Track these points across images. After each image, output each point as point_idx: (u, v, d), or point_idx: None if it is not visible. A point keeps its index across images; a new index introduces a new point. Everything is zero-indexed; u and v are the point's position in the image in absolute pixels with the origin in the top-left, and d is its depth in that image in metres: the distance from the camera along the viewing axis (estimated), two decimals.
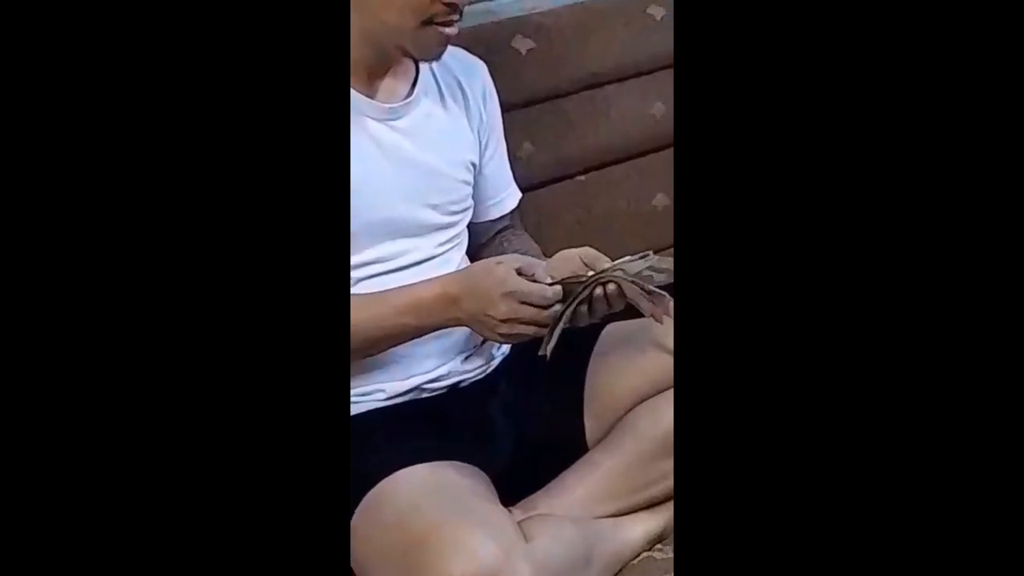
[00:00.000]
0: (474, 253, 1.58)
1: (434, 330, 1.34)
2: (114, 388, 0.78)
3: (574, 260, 1.28)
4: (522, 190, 1.69)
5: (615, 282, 1.26)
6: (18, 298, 0.76)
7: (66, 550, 0.78)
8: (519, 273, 1.27)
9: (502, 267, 1.28)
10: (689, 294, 0.82)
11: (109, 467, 0.78)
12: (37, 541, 0.77)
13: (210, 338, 0.79)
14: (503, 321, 1.26)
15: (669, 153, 1.98)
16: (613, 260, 1.27)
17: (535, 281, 1.26)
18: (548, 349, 1.27)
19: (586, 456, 1.40)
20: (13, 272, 0.76)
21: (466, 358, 1.45)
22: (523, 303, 1.24)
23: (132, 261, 0.77)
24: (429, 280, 1.35)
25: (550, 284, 1.25)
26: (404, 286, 1.34)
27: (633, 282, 1.25)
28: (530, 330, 1.26)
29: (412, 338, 1.34)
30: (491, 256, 1.40)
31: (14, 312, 0.76)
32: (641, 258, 1.26)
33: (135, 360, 0.78)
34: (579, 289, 1.25)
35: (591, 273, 1.26)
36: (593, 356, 1.45)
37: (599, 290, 1.26)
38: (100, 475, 0.78)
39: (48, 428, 0.77)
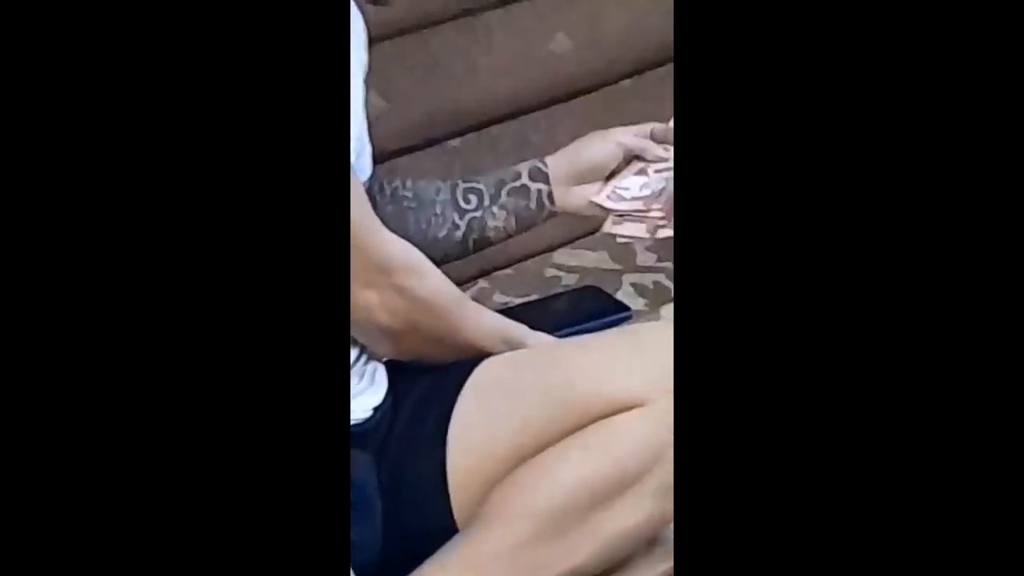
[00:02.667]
0: None
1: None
2: (97, 384, 0.85)
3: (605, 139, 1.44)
4: None
5: None
6: (8, 294, 0.85)
7: (60, 552, 0.84)
8: None
9: None
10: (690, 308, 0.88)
11: (104, 466, 0.85)
12: (27, 543, 0.84)
13: (202, 341, 0.87)
14: None
15: (579, 104, 1.87)
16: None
17: None
18: None
19: (452, 540, 1.25)
20: (8, 270, 0.85)
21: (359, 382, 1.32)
22: None
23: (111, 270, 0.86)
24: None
25: None
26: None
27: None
28: None
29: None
30: None
31: (9, 311, 0.84)
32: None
33: (116, 359, 0.85)
34: None
35: None
36: (458, 405, 1.29)
37: None
38: (97, 475, 0.85)
39: (40, 430, 0.85)
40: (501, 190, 1.41)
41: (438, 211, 1.42)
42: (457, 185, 1.42)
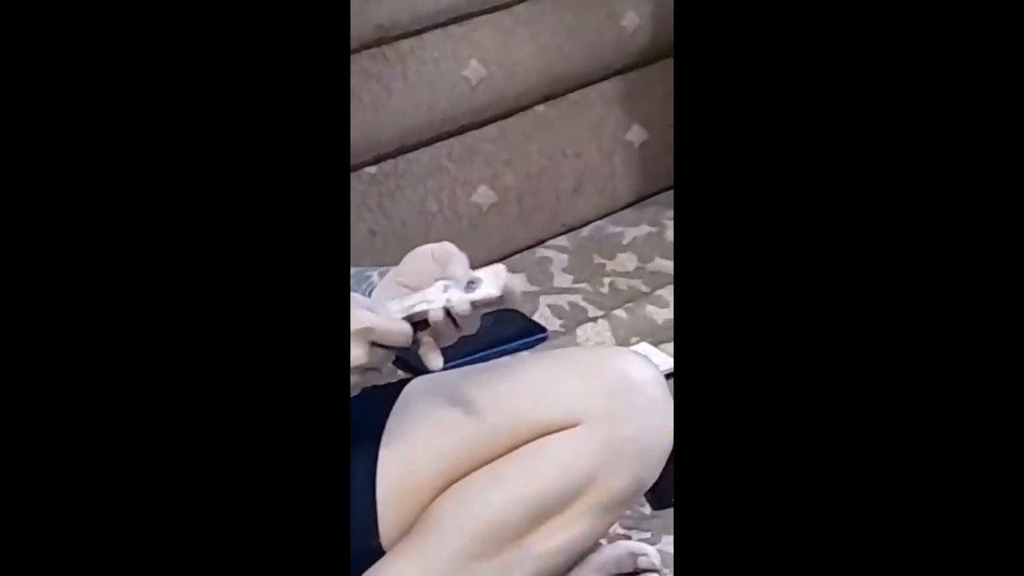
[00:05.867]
0: None
1: None
2: (97, 385, 0.86)
3: (426, 258, 1.23)
4: None
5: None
6: (8, 291, 0.85)
7: (56, 550, 0.85)
8: None
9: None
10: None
11: (101, 465, 0.85)
12: (22, 541, 0.84)
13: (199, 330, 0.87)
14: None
15: (495, 130, 1.88)
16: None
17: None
18: None
19: (381, 561, 1.22)
20: (8, 269, 0.85)
21: None
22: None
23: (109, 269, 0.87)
24: None
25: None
26: None
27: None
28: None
29: None
30: None
31: (9, 307, 0.85)
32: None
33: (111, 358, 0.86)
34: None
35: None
36: (389, 424, 1.27)
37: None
38: (95, 475, 0.85)
39: (36, 424, 0.85)
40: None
41: None
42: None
